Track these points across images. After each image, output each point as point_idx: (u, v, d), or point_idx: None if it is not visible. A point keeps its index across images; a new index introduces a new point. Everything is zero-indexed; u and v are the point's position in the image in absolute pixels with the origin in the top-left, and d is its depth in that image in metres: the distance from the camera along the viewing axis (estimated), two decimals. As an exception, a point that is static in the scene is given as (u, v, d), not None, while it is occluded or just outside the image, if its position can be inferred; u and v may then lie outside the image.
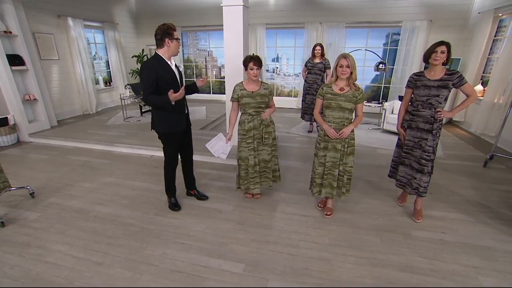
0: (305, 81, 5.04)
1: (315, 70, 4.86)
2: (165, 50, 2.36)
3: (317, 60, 4.84)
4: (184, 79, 2.57)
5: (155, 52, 2.39)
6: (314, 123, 5.47)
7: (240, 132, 2.70)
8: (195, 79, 8.62)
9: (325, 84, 2.43)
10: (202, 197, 3.01)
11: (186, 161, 2.89)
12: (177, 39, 2.35)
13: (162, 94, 2.30)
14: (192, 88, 2.70)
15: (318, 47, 4.77)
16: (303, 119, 5.40)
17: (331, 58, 7.11)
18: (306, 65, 5.02)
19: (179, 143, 2.66)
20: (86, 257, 2.17)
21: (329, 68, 4.82)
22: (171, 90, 2.23)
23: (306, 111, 5.18)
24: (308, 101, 5.07)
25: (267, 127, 2.70)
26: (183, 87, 2.35)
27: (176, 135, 2.57)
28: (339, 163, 2.48)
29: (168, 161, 2.69)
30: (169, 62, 2.40)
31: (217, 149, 2.74)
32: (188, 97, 2.68)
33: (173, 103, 2.29)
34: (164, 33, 2.29)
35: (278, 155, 4.10)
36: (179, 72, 2.53)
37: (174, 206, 2.82)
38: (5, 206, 2.86)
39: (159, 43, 2.34)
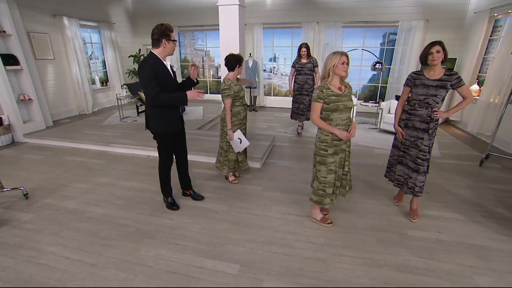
0: (294, 81, 4.95)
1: (305, 71, 4.78)
2: (161, 50, 2.34)
3: (304, 61, 4.77)
4: (176, 79, 2.58)
5: (151, 51, 2.37)
6: (303, 123, 5.38)
7: (237, 123, 3.01)
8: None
9: (321, 86, 2.19)
10: (198, 197, 2.99)
11: (180, 161, 2.87)
12: (174, 40, 2.35)
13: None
14: (189, 83, 2.65)
15: (304, 48, 4.69)
16: (295, 119, 5.27)
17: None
18: (294, 66, 4.93)
19: (173, 143, 2.65)
20: (80, 258, 2.14)
21: (317, 66, 4.81)
22: (194, 89, 2.38)
23: (298, 111, 5.07)
24: (299, 101, 4.97)
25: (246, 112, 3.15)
26: (198, 90, 2.42)
27: (171, 135, 2.57)
28: (344, 163, 2.39)
29: (163, 162, 2.68)
30: (164, 62, 2.40)
31: (243, 141, 3.00)
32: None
33: (189, 99, 2.37)
34: (162, 34, 2.27)
35: (274, 155, 4.12)
36: (173, 72, 2.52)
37: (172, 205, 2.80)
38: (-2, 207, 2.83)
39: (155, 43, 2.32)
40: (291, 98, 5.14)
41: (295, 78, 4.94)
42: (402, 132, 2.57)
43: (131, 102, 6.76)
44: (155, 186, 3.18)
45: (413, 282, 1.93)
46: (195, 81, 2.63)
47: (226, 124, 2.96)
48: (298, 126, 5.40)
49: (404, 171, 2.65)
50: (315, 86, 4.44)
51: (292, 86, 5.03)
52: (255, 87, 7.27)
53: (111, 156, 4.24)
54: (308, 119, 4.95)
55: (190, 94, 2.35)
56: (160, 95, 2.28)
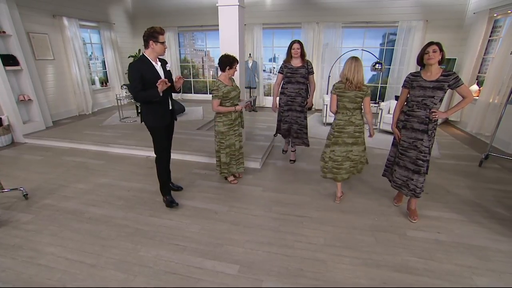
0: (282, 92, 3.63)
1: (297, 77, 3.49)
2: (150, 52, 2.49)
3: (297, 64, 3.48)
4: (172, 78, 2.70)
5: (142, 53, 2.53)
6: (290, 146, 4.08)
7: (227, 123, 3.00)
8: (191, 79, 8.61)
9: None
10: (177, 188, 3.14)
11: None
12: (162, 42, 2.46)
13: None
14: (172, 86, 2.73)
15: (296, 45, 3.41)
16: (284, 137, 4.09)
17: (328, 58, 7.14)
18: (281, 72, 3.56)
19: (165, 136, 2.75)
20: (79, 259, 2.14)
21: (313, 72, 3.59)
22: (160, 80, 2.37)
23: (289, 132, 3.81)
24: (290, 120, 3.68)
25: (240, 112, 3.14)
26: (161, 80, 2.39)
27: (161, 128, 2.67)
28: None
29: (159, 156, 2.76)
30: (153, 63, 2.50)
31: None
32: (184, 97, 2.74)
33: (161, 93, 2.42)
34: (149, 36, 2.42)
35: (274, 155, 4.13)
36: (167, 71, 2.62)
37: (172, 203, 2.81)
38: (-2, 207, 2.83)
39: (145, 44, 2.48)
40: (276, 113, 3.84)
41: (282, 88, 3.63)
42: (399, 134, 2.59)
43: (130, 102, 6.77)
44: (155, 186, 3.18)
45: (412, 282, 1.93)
46: (177, 90, 2.74)
47: (220, 122, 3.00)
48: (292, 152, 4.01)
49: (402, 173, 2.64)
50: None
51: (277, 99, 3.75)
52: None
53: (111, 157, 4.24)
54: (305, 144, 3.81)
55: (159, 87, 2.41)
56: (139, 93, 2.43)
